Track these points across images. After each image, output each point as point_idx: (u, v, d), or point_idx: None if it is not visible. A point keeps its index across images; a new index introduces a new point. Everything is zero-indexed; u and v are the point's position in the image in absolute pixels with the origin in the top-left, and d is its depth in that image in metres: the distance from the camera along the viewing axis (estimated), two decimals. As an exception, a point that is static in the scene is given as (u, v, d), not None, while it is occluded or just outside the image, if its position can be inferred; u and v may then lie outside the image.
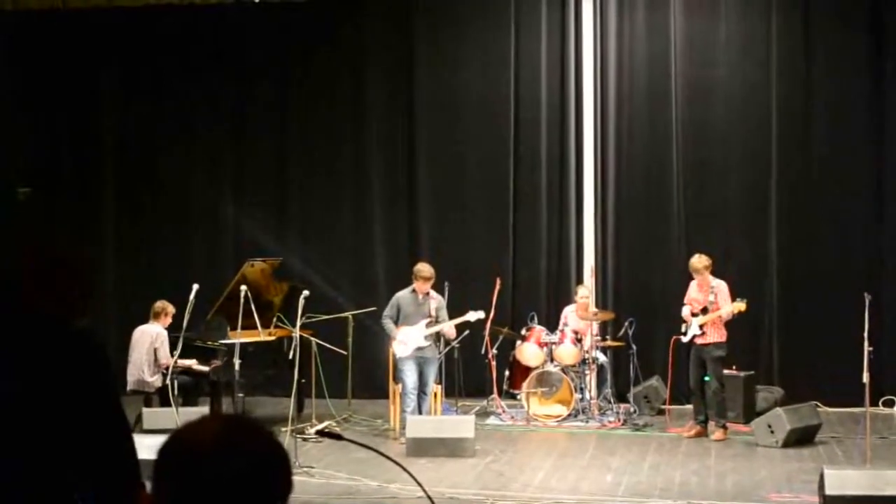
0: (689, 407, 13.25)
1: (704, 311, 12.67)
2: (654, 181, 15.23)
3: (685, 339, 12.81)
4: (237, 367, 11.48)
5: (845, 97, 14.88)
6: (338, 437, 4.01)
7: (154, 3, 15.61)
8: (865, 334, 10.56)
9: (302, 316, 12.03)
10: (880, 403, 14.04)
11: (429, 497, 4.01)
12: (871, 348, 10.60)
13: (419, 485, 3.97)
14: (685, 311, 12.86)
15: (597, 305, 14.46)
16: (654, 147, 15.20)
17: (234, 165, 16.16)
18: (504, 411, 13.83)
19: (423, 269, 12.77)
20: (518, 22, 15.45)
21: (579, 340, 13.66)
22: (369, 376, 14.63)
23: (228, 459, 2.10)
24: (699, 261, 12.83)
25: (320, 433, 4.64)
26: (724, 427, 12.70)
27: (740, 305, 12.54)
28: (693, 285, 12.96)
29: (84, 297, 3.42)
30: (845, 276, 14.33)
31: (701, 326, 12.65)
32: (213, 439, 2.13)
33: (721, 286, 12.78)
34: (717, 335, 12.69)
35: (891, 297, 14.37)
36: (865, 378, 10.55)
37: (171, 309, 12.50)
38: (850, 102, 14.87)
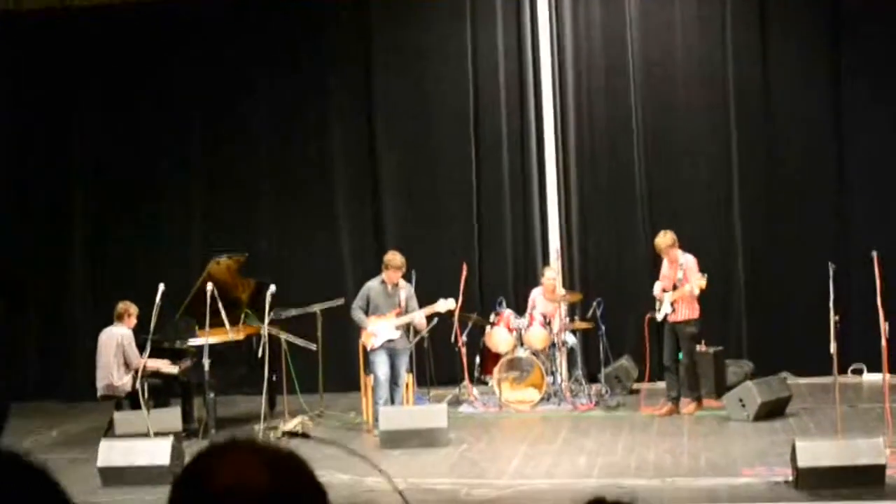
0: (662, 385, 13.30)
1: (675, 287, 12.71)
2: (616, 163, 15.26)
3: (659, 317, 12.86)
4: (207, 367, 11.43)
5: (803, 74, 14.96)
6: (305, 436, 3.99)
7: (109, 3, 15.58)
8: (831, 304, 10.61)
9: (270, 312, 11.99)
10: (849, 372, 14.13)
11: (399, 492, 4.00)
12: (837, 318, 10.66)
13: (388, 479, 3.96)
14: (656, 289, 12.89)
15: (564, 287, 14.48)
16: (614, 129, 15.23)
17: (200, 164, 16.07)
18: (476, 398, 13.82)
19: (395, 258, 12.72)
20: (474, 9, 15.44)
21: (548, 323, 13.68)
22: (340, 369, 14.60)
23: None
24: (662, 239, 12.87)
25: (287, 434, 4.58)
26: (699, 400, 12.77)
27: (701, 282, 12.58)
28: (665, 262, 13.01)
29: None
30: (810, 248, 14.40)
31: (672, 304, 12.69)
32: (264, 483, 1.85)
33: (689, 262, 12.80)
34: (688, 311, 12.73)
35: (856, 266, 14.43)
36: (833, 348, 10.60)
37: (133, 309, 12.43)
38: (808, 79, 14.95)
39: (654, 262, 13.69)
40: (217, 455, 1.90)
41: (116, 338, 12.27)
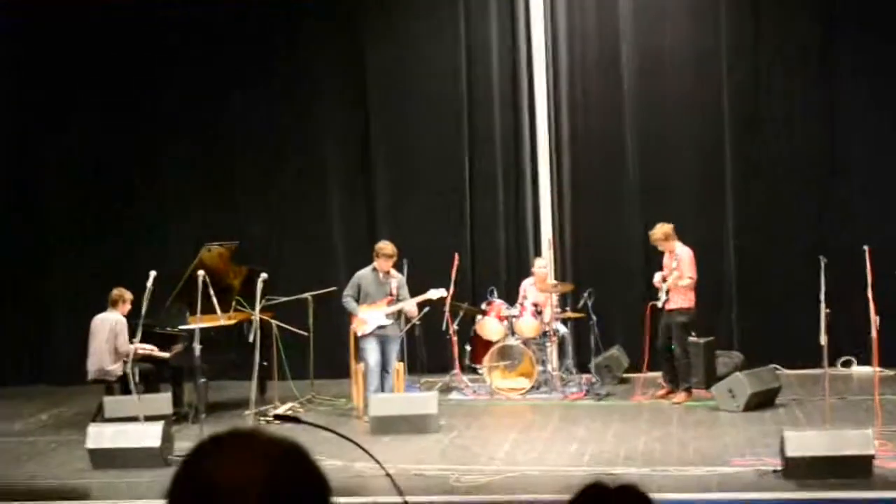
0: (651, 375, 13.40)
1: (671, 278, 12.87)
2: (609, 153, 15.26)
3: (660, 305, 12.94)
4: (198, 352, 11.44)
5: (796, 62, 14.94)
6: (296, 420, 4.02)
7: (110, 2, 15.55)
8: (822, 296, 10.66)
9: (261, 299, 11.99)
10: (838, 364, 14.17)
11: (389, 476, 4.02)
12: (827, 310, 10.70)
13: (378, 463, 3.98)
14: (656, 278, 13.01)
15: (555, 277, 14.51)
16: (607, 119, 15.23)
17: (190, 152, 16.01)
18: (467, 386, 13.84)
19: (386, 246, 12.73)
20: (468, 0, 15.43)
21: (539, 313, 13.71)
22: (331, 357, 14.60)
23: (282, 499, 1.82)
24: (654, 233, 13.03)
25: (278, 417, 4.60)
26: (688, 390, 12.86)
27: (675, 280, 12.75)
28: (666, 253, 13.10)
29: None
30: (802, 241, 14.44)
31: (667, 293, 12.78)
32: (263, 479, 1.79)
33: (683, 254, 12.91)
34: (681, 302, 12.84)
35: (847, 259, 14.45)
36: (823, 340, 10.65)
37: (128, 296, 12.45)
38: (802, 67, 14.94)
39: (646, 252, 13.73)
40: (217, 448, 1.85)
41: (110, 323, 12.29)
